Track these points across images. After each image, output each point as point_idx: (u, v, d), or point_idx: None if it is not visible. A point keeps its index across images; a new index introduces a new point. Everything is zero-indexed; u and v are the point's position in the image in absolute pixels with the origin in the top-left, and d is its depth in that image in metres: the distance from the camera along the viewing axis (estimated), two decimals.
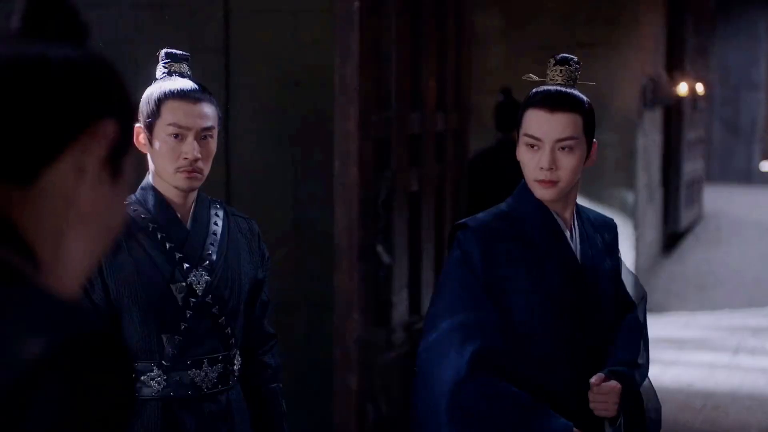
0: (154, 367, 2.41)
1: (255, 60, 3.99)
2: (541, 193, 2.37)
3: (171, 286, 2.41)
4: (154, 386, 2.41)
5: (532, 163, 2.36)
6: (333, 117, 3.97)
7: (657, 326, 7.87)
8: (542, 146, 2.35)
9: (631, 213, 8.02)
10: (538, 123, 2.35)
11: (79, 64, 1.01)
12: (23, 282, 0.95)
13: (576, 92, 2.40)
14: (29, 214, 0.99)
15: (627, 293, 2.56)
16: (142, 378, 2.40)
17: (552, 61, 2.43)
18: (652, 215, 9.39)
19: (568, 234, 2.44)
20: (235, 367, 2.51)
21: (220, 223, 2.52)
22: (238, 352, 2.53)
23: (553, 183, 2.35)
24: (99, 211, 1.02)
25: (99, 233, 1.03)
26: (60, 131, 0.99)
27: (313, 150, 4.01)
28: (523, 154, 2.38)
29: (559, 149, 2.35)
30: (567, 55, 2.44)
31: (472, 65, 5.61)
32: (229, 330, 2.48)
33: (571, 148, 2.35)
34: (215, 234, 2.49)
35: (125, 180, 1.05)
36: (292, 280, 3.94)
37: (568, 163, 2.35)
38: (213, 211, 2.52)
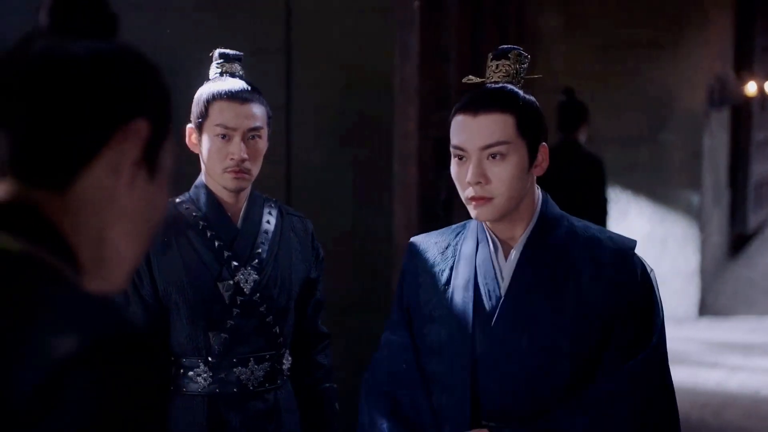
0: (201, 364, 2.42)
1: (316, 60, 4.00)
2: (475, 212, 1.98)
3: (218, 284, 2.42)
4: (201, 382, 2.42)
5: (460, 179, 1.98)
6: (393, 117, 3.97)
7: (723, 330, 7.74)
8: (468, 157, 1.97)
9: (697, 215, 7.90)
10: (461, 130, 1.98)
11: (106, 63, 0.99)
12: (59, 282, 0.94)
13: (509, 88, 2.00)
14: (69, 217, 0.98)
15: (636, 339, 1.99)
16: (189, 374, 2.42)
17: (490, 55, 2.05)
18: (719, 217, 9.24)
19: (500, 263, 2.04)
20: (284, 367, 2.51)
21: (273, 221, 2.52)
22: (287, 351, 2.52)
23: (486, 200, 1.96)
24: (139, 210, 1.01)
25: (140, 231, 1.03)
26: (91, 134, 0.98)
27: (372, 150, 4.00)
28: (452, 169, 2.01)
29: (488, 158, 1.96)
30: (508, 47, 2.06)
31: (534, 65, 5.58)
32: (276, 329, 2.47)
33: (502, 155, 1.96)
34: (266, 233, 2.49)
35: (164, 176, 1.04)
36: (349, 280, 3.94)
37: (500, 173, 1.96)
38: (266, 210, 2.52)
